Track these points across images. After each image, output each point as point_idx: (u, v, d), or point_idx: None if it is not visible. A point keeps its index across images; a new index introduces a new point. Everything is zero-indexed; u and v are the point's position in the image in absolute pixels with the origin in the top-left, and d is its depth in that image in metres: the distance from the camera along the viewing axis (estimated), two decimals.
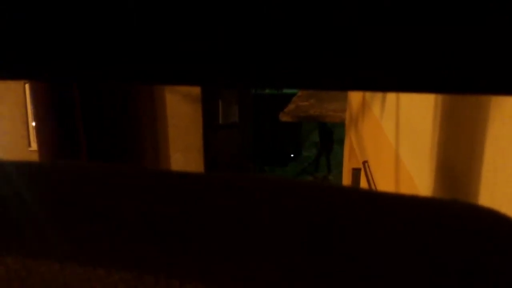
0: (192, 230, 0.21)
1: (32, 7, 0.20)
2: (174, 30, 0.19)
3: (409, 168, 1.84)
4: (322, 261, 0.19)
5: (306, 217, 0.21)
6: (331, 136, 10.02)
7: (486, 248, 0.19)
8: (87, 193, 0.25)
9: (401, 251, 0.19)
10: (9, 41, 0.21)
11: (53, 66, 0.21)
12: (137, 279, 0.19)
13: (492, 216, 0.20)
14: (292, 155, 11.30)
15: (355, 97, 4.43)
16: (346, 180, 5.07)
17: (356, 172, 3.42)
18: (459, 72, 0.17)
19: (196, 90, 7.15)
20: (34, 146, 7.19)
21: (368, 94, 3.34)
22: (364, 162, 3.11)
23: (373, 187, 2.70)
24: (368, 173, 2.92)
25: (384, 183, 2.47)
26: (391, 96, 2.34)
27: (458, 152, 1.27)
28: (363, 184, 3.11)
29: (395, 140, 2.18)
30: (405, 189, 1.87)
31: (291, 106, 6.31)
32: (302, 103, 6.32)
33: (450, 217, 0.20)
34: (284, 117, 6.20)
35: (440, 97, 1.38)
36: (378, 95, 2.75)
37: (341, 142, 7.12)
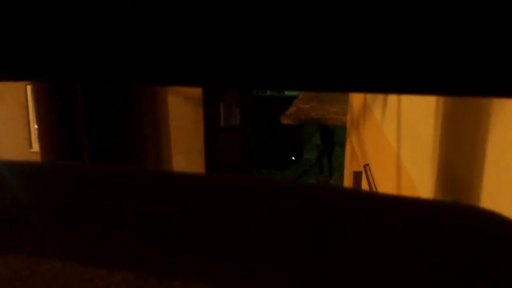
0: (192, 230, 0.21)
1: (32, 8, 0.20)
2: (174, 30, 0.19)
3: (411, 171, 1.84)
4: (322, 261, 0.19)
5: (306, 217, 0.21)
6: (332, 139, 10.00)
7: (486, 248, 0.19)
8: (88, 193, 0.25)
9: (401, 251, 0.19)
10: (10, 41, 0.21)
11: (54, 66, 0.21)
12: (140, 279, 0.19)
13: (493, 218, 0.20)
14: (293, 158, 11.28)
15: (356, 99, 4.43)
16: (347, 183, 5.06)
17: (357, 175, 3.41)
18: (460, 74, 0.17)
19: (197, 92, 7.15)
20: (35, 147, 7.19)
21: (369, 97, 3.34)
22: (366, 165, 3.11)
23: (374, 190, 2.69)
24: (369, 176, 2.92)
25: (385, 186, 2.47)
26: (392, 99, 2.34)
27: (460, 155, 1.27)
28: (364, 187, 3.10)
29: (396, 143, 2.18)
30: (407, 192, 1.87)
31: (292, 109, 6.31)
32: (304, 105, 6.31)
33: (450, 218, 0.20)
34: (285, 120, 6.20)
35: (441, 100, 1.38)
36: (380, 98, 2.75)
37: (341, 144, 7.11)
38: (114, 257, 0.20)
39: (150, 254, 0.20)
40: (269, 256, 0.19)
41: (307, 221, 0.21)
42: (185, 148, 7.17)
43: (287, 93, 9.98)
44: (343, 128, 6.15)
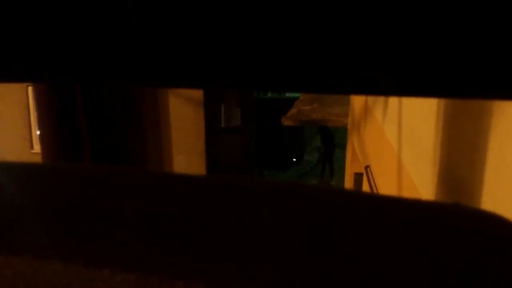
0: (193, 230, 0.21)
1: (32, 8, 0.20)
2: (175, 31, 0.19)
3: (411, 173, 1.84)
4: (322, 262, 0.19)
5: (306, 217, 0.21)
6: (332, 140, 10.00)
7: (487, 249, 0.19)
8: (89, 194, 0.25)
9: (401, 251, 0.19)
10: (10, 42, 0.21)
11: (54, 67, 0.21)
12: (140, 280, 0.19)
13: (493, 219, 0.20)
14: (294, 159, 11.28)
15: (357, 101, 4.43)
16: (348, 184, 5.05)
17: (358, 177, 3.41)
18: (460, 76, 0.17)
19: (198, 94, 7.15)
20: (36, 148, 7.19)
21: (370, 99, 3.34)
22: (366, 167, 3.11)
23: (375, 191, 2.69)
24: (370, 177, 2.92)
25: (386, 188, 2.47)
26: (393, 101, 2.34)
27: (460, 157, 1.27)
28: (365, 188, 3.10)
29: (397, 144, 2.18)
30: (407, 194, 1.86)
31: (293, 110, 6.31)
32: (305, 107, 6.32)
33: (450, 218, 0.20)
34: (286, 121, 6.20)
35: (442, 102, 1.38)
36: (381, 100, 2.75)
37: (342, 146, 7.11)
38: (115, 258, 0.20)
39: (150, 255, 0.20)
40: (269, 256, 0.19)
41: (307, 221, 0.21)
42: (186, 149, 7.17)
43: (288, 94, 9.99)
44: (343, 130, 6.16)
